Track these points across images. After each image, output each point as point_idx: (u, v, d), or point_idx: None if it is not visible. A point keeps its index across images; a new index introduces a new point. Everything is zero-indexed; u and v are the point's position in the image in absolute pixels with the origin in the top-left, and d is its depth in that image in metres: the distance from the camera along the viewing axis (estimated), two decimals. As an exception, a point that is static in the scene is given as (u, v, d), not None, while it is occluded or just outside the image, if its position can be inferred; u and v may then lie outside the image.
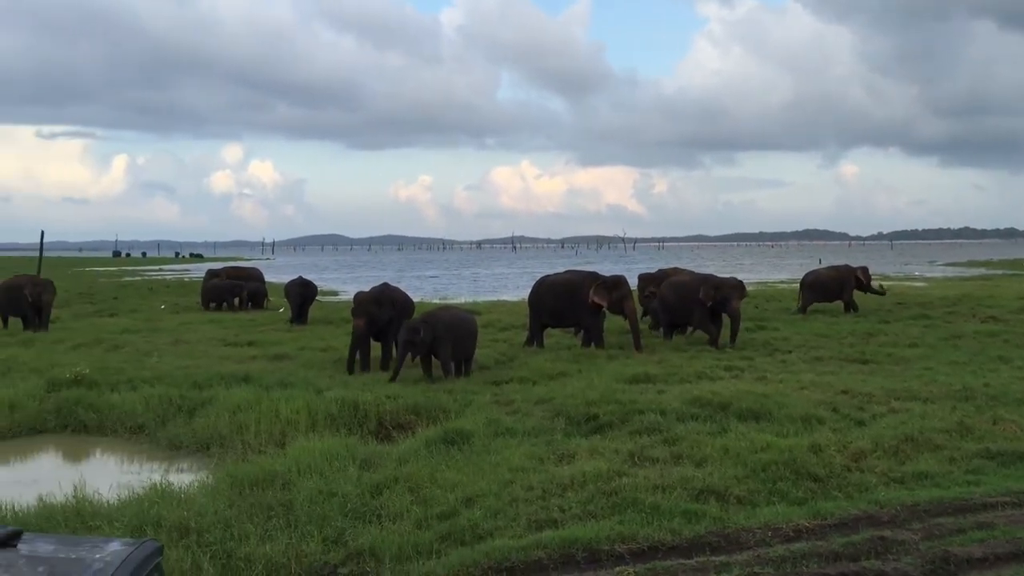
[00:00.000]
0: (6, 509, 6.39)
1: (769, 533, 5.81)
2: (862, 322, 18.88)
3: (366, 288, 14.91)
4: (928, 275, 47.08)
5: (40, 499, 6.60)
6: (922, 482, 6.95)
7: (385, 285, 14.41)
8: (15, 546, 2.48)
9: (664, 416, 8.87)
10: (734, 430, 8.21)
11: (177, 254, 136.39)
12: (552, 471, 7.08)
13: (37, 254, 31.71)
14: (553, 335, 16.73)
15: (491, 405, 9.96)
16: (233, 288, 25.44)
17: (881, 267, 53.11)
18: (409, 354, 12.27)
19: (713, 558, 5.40)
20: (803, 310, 21.49)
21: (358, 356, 13.39)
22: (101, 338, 17.25)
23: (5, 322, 19.55)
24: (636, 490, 6.48)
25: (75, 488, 6.76)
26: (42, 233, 33.20)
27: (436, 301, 26.22)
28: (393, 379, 11.95)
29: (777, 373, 12.08)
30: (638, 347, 14.90)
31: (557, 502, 6.34)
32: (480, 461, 7.43)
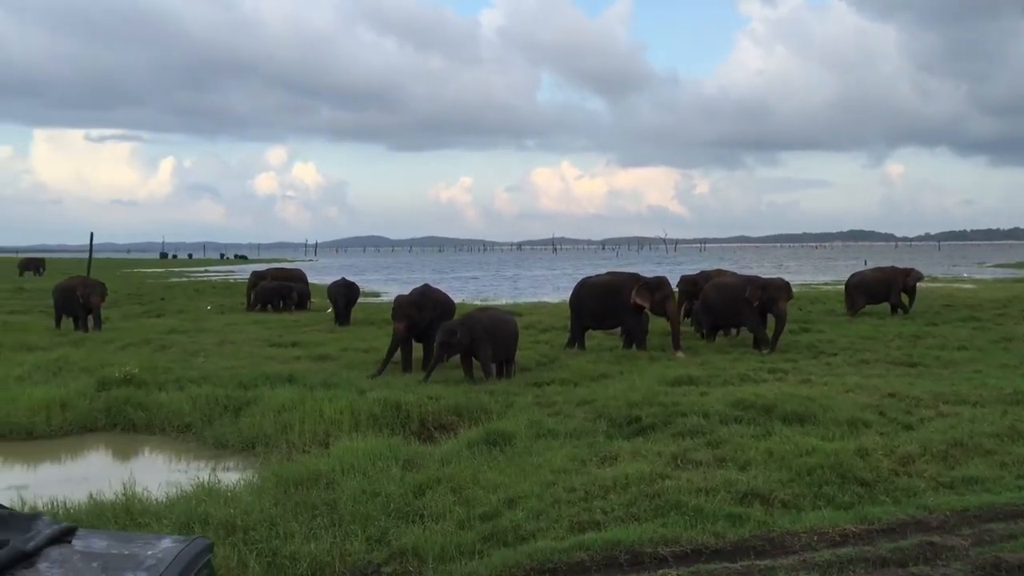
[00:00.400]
0: (58, 506, 6.52)
1: (815, 538, 5.74)
2: (909, 324, 18.60)
3: (407, 289, 14.98)
4: (977, 276, 46.23)
5: (91, 496, 6.73)
6: (972, 487, 6.83)
7: (426, 287, 14.47)
8: (70, 542, 2.53)
9: (707, 419, 8.81)
10: (778, 433, 8.13)
11: (222, 255, 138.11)
12: (594, 473, 7.07)
13: (87, 256, 32.32)
14: (594, 337, 16.70)
15: (533, 407, 9.96)
16: (282, 289, 25.76)
17: (929, 268, 52.26)
18: (446, 355, 12.31)
19: (758, 562, 5.36)
20: (853, 312, 21.23)
21: (399, 358, 13.45)
22: (149, 338, 17.54)
23: (58, 322, 19.96)
24: (679, 493, 6.44)
25: (124, 486, 6.87)
26: (91, 235, 33.81)
27: (477, 302, 26.28)
28: (426, 379, 11.98)
29: (822, 376, 11.93)
30: (677, 347, 14.81)
31: (599, 504, 6.33)
32: (522, 462, 7.43)
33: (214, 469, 8.39)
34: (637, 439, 8.31)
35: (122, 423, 10.44)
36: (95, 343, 16.76)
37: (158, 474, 8.27)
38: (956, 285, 35.90)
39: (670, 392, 10.41)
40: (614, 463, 7.39)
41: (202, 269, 74.19)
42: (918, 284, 22.68)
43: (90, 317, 19.32)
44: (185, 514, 6.03)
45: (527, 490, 6.63)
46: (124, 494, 6.67)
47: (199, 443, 9.73)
